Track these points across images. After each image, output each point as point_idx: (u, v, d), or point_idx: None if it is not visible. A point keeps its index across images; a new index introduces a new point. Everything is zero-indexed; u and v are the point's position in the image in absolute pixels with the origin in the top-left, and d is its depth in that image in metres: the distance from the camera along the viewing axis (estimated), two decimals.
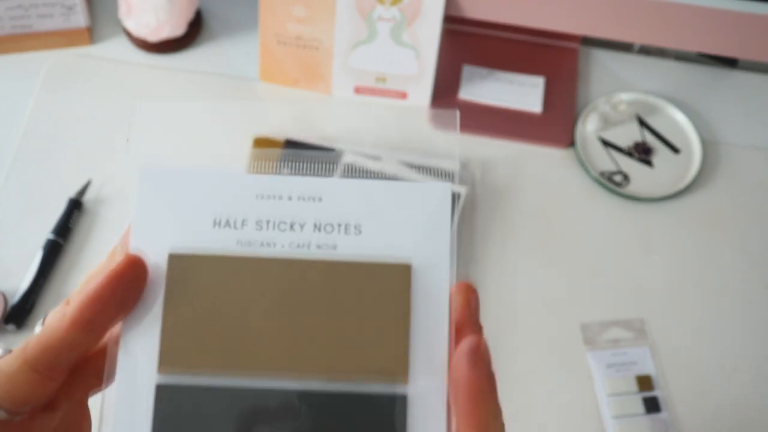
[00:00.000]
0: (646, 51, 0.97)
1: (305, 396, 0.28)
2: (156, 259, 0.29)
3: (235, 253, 0.30)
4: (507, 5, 0.85)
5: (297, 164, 0.32)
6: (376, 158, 0.80)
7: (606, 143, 0.89)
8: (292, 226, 0.30)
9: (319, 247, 0.30)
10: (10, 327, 0.72)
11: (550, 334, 0.77)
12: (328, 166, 0.32)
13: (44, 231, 0.77)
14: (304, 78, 0.89)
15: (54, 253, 0.76)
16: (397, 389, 0.28)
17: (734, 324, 0.79)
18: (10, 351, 0.30)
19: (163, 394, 0.28)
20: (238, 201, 0.30)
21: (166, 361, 0.28)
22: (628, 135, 0.90)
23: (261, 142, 0.80)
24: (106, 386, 0.29)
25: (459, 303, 0.29)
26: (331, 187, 0.31)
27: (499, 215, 0.83)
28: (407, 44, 0.85)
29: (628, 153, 0.88)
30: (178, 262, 0.29)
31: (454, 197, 0.30)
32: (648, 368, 0.75)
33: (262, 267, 0.29)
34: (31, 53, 0.91)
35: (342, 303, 0.29)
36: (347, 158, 0.80)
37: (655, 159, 0.88)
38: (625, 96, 0.92)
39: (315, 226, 0.30)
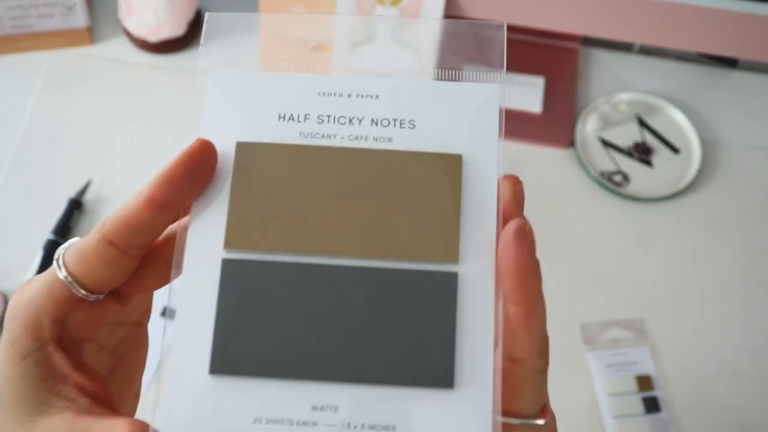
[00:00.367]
0: (646, 51, 0.97)
1: (363, 271, 0.30)
2: (224, 149, 0.31)
3: (298, 143, 0.31)
4: (507, 5, 0.85)
5: None
6: None
7: (606, 143, 0.89)
8: (351, 121, 0.32)
9: (375, 139, 0.31)
10: None
11: (549, 333, 0.77)
12: None
13: (44, 231, 0.77)
14: None
15: (54, 253, 0.76)
16: (449, 268, 0.30)
17: (734, 324, 0.79)
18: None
19: (228, 267, 0.30)
20: (301, 98, 0.32)
21: (232, 239, 0.30)
22: (628, 135, 0.90)
23: None
24: (175, 276, 0.30)
25: (506, 193, 0.30)
26: (388, 85, 0.32)
27: None
28: (407, 44, 0.85)
29: (628, 153, 0.88)
30: (245, 149, 0.31)
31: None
32: (648, 368, 0.75)
33: (322, 156, 0.31)
34: (31, 53, 0.91)
35: (397, 190, 0.30)
36: None
37: (655, 159, 0.88)
38: (625, 96, 0.92)
39: (372, 120, 0.32)
